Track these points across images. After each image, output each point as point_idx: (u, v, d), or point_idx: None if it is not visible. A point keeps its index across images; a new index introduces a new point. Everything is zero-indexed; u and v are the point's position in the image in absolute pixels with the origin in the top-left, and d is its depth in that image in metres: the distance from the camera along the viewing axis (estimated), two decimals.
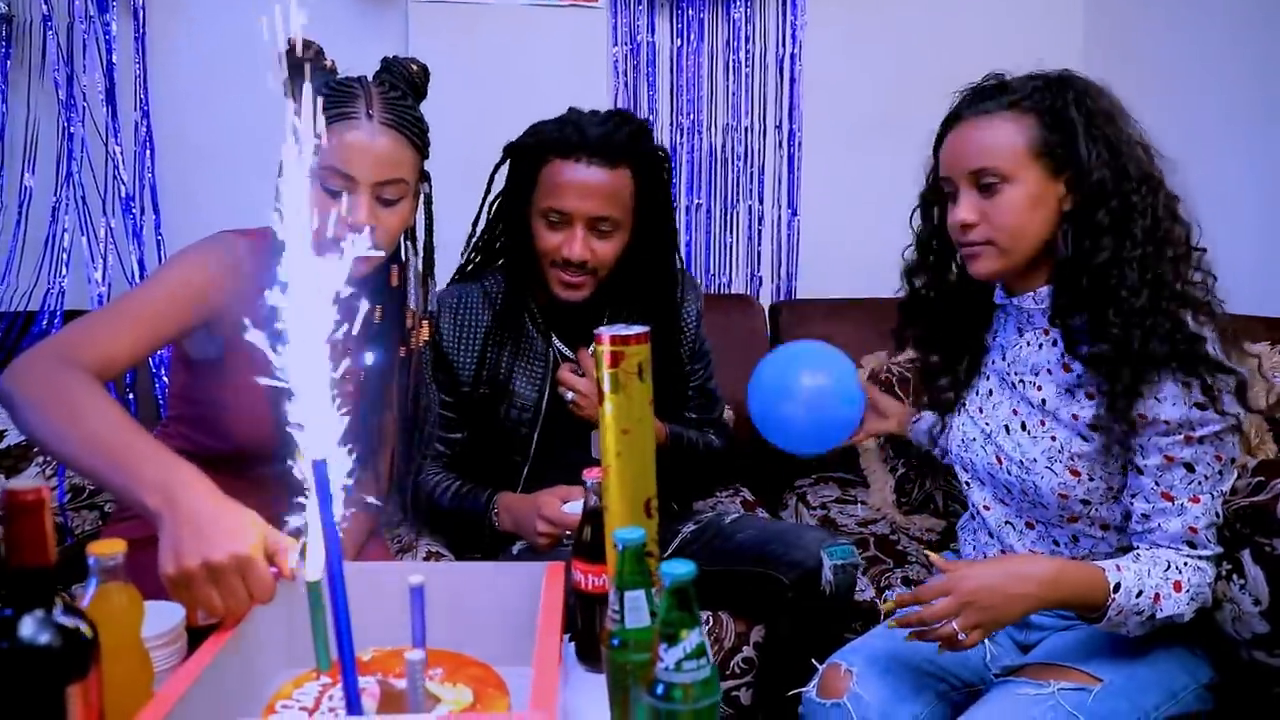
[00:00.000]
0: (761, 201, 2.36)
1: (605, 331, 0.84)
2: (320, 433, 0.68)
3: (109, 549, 0.75)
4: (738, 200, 2.35)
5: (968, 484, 1.23)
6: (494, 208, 1.46)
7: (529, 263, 1.40)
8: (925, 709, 1.09)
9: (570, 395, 1.37)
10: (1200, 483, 1.02)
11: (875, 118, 2.34)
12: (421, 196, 1.20)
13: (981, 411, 1.19)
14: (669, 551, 1.48)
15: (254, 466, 1.18)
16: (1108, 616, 1.00)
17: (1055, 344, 1.11)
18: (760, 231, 2.36)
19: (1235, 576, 1.04)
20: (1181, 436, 1.01)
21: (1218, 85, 2.00)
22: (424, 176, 1.19)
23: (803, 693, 1.11)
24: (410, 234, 1.22)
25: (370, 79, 1.16)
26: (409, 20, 2.11)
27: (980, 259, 1.09)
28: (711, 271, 2.36)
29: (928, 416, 1.49)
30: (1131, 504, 1.06)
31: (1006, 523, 1.18)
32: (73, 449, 0.89)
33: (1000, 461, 1.14)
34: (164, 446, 0.90)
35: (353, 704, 0.73)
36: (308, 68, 1.14)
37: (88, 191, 1.94)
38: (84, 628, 0.64)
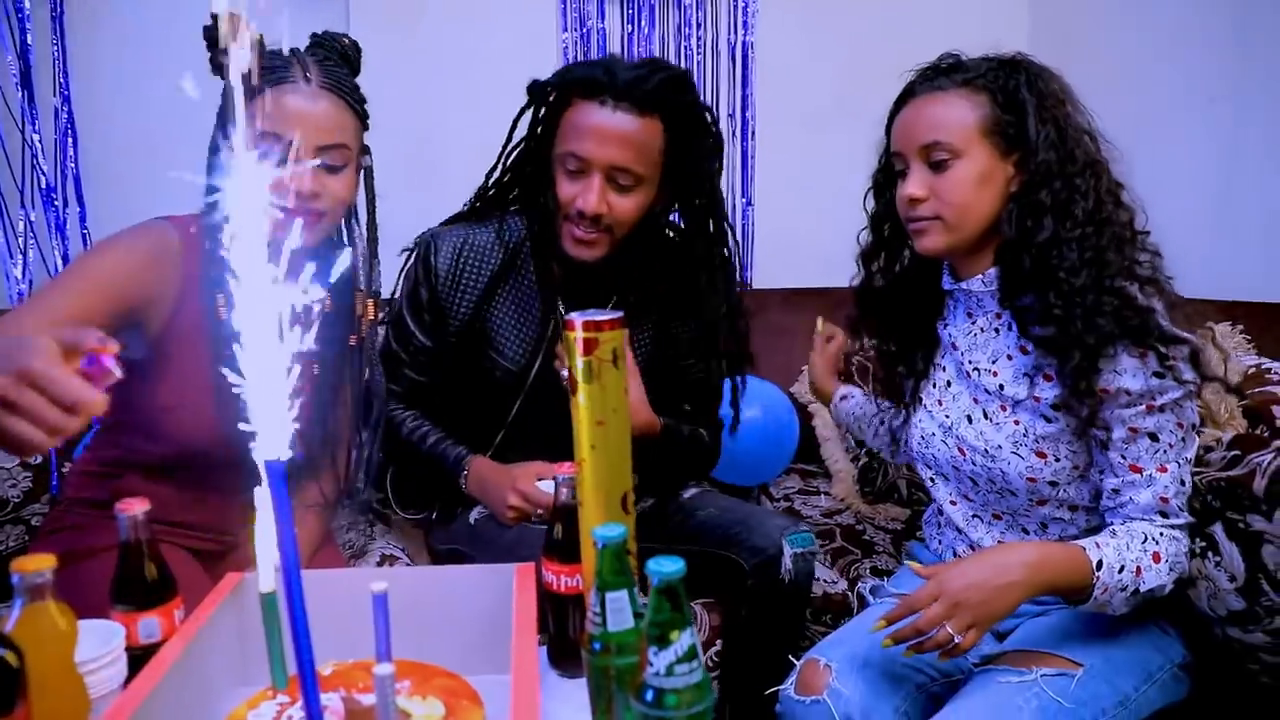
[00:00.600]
0: None
1: (577, 317, 0.79)
2: (275, 431, 0.62)
3: (36, 564, 0.67)
4: None
5: (931, 480, 1.22)
6: (511, 156, 1.33)
7: (546, 217, 1.27)
8: (905, 702, 1.07)
9: (566, 372, 1.27)
10: (1165, 451, 1.02)
11: (829, 105, 2.33)
12: (363, 171, 1.14)
13: (941, 404, 1.18)
14: None
15: (199, 471, 1.11)
16: (1094, 596, 0.99)
17: (1010, 328, 1.11)
18: None
19: (1210, 553, 1.05)
20: (1143, 406, 1.01)
21: (1165, 69, 2.03)
22: (364, 150, 1.13)
23: (780, 690, 1.09)
24: (352, 214, 1.16)
25: (302, 50, 1.11)
26: (349, 5, 2.03)
27: (927, 234, 1.08)
28: None
29: (855, 395, 1.48)
30: (1101, 480, 1.06)
31: (974, 516, 1.18)
32: None
33: (964, 453, 1.14)
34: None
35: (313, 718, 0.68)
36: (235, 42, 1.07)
37: (3, 183, 1.81)
38: (8, 655, 0.57)
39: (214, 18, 1.12)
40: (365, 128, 1.13)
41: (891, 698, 1.06)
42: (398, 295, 1.38)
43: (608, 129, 1.19)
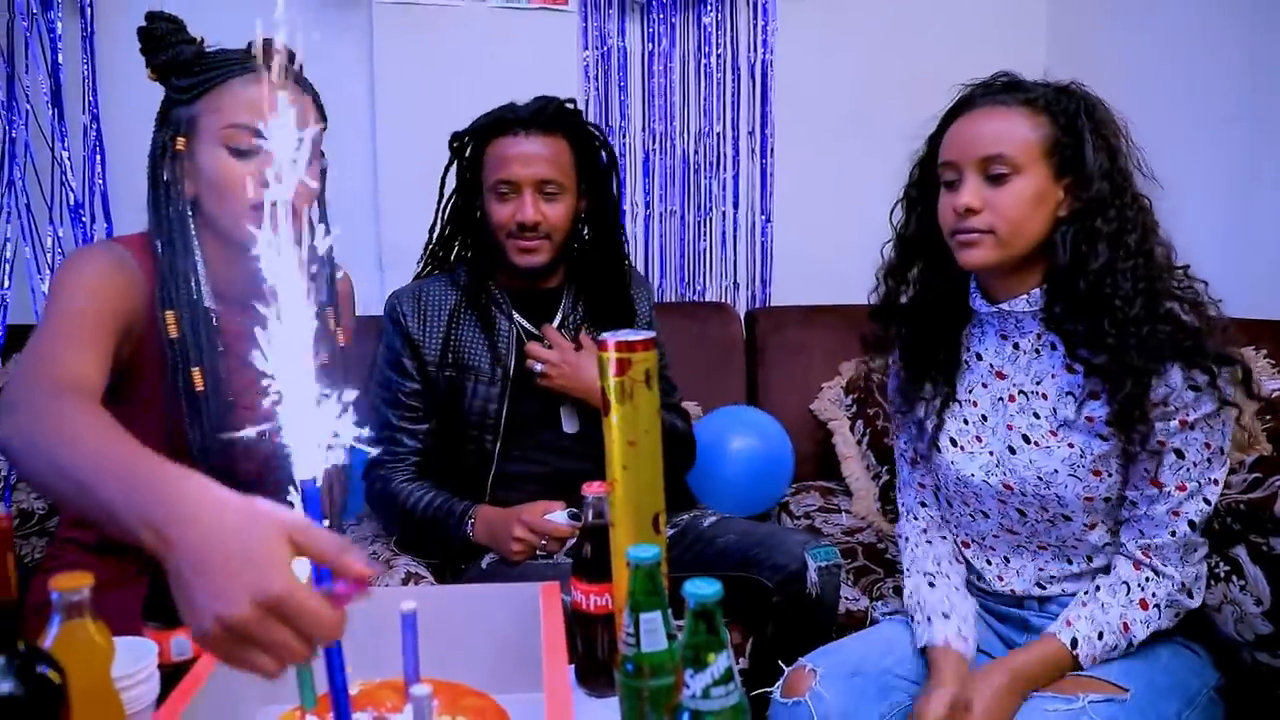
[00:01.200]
0: (735, 208, 2.34)
1: (610, 337, 0.79)
2: (310, 450, 0.62)
3: (73, 583, 0.67)
4: (711, 207, 2.32)
5: (972, 517, 1.19)
6: (449, 205, 1.52)
7: (488, 245, 1.47)
8: (892, 711, 1.08)
9: (539, 366, 1.43)
10: (1189, 470, 1.02)
11: (848, 122, 2.34)
12: (322, 171, 1.15)
13: (980, 440, 1.15)
14: None
15: None
16: (1085, 667, 1.04)
17: (1055, 348, 1.10)
18: (734, 238, 2.34)
19: (1235, 577, 1.04)
20: (1176, 422, 1.01)
21: (1181, 86, 2.03)
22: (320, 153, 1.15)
23: (769, 693, 1.09)
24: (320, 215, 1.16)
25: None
26: (373, 22, 2.05)
27: (976, 248, 1.07)
28: (686, 280, 2.33)
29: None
30: (1129, 493, 1.07)
31: (1018, 547, 1.16)
32: (68, 486, 0.72)
33: (1011, 487, 1.11)
34: (164, 462, 0.68)
35: None
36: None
37: (33, 199, 1.83)
38: (50, 673, 0.58)
39: (148, 17, 1.12)
40: (324, 126, 1.14)
41: (877, 704, 1.07)
42: (378, 364, 1.52)
43: (527, 152, 1.40)
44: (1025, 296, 1.10)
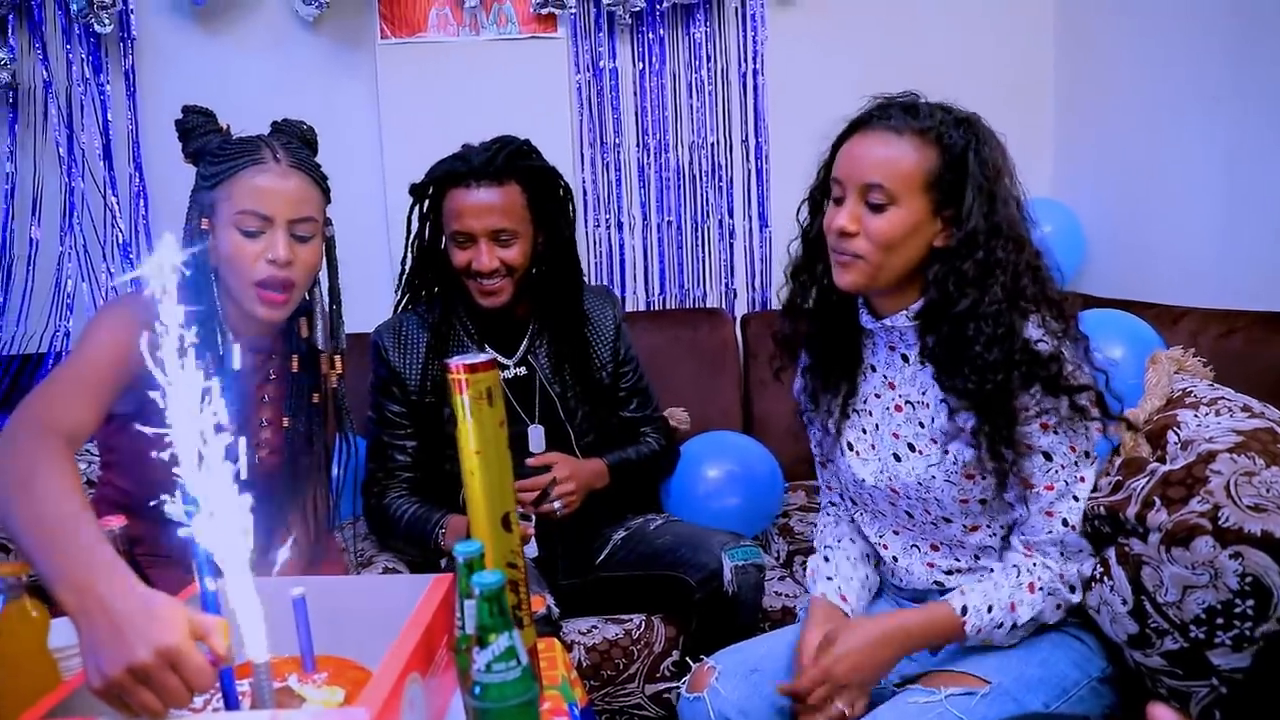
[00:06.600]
0: (731, 215, 2.41)
1: (454, 361, 0.91)
2: (223, 511, 0.73)
3: (12, 570, 0.85)
4: (708, 215, 2.40)
5: (871, 515, 1.24)
6: (415, 245, 1.61)
7: (453, 283, 1.55)
8: (790, 707, 1.13)
9: (559, 504, 1.46)
10: (1057, 471, 1.06)
11: (842, 126, 2.36)
12: (326, 240, 1.28)
13: (874, 449, 1.19)
14: (600, 558, 1.55)
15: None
16: (969, 637, 1.08)
17: None
18: (732, 245, 2.41)
19: (1105, 578, 1.06)
20: (1038, 425, 1.04)
21: (1185, 81, 1.98)
22: (327, 221, 1.28)
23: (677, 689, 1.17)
24: (315, 282, 1.29)
25: (266, 135, 1.25)
26: (378, 60, 2.23)
27: (849, 271, 1.10)
28: (685, 287, 2.42)
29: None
30: (1006, 495, 1.10)
31: (912, 546, 1.21)
32: (15, 527, 0.88)
33: (897, 491, 1.16)
34: (100, 537, 0.84)
35: (231, 703, 0.82)
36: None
37: (88, 241, 2.10)
38: None
39: (184, 111, 1.29)
40: (328, 201, 1.26)
41: (774, 701, 1.12)
42: (370, 388, 1.63)
43: (479, 204, 1.47)
44: (904, 312, 1.12)
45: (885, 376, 1.19)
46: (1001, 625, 1.08)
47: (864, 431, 1.21)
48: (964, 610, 1.08)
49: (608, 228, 2.37)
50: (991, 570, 1.13)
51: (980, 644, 1.09)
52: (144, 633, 0.72)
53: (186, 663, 0.73)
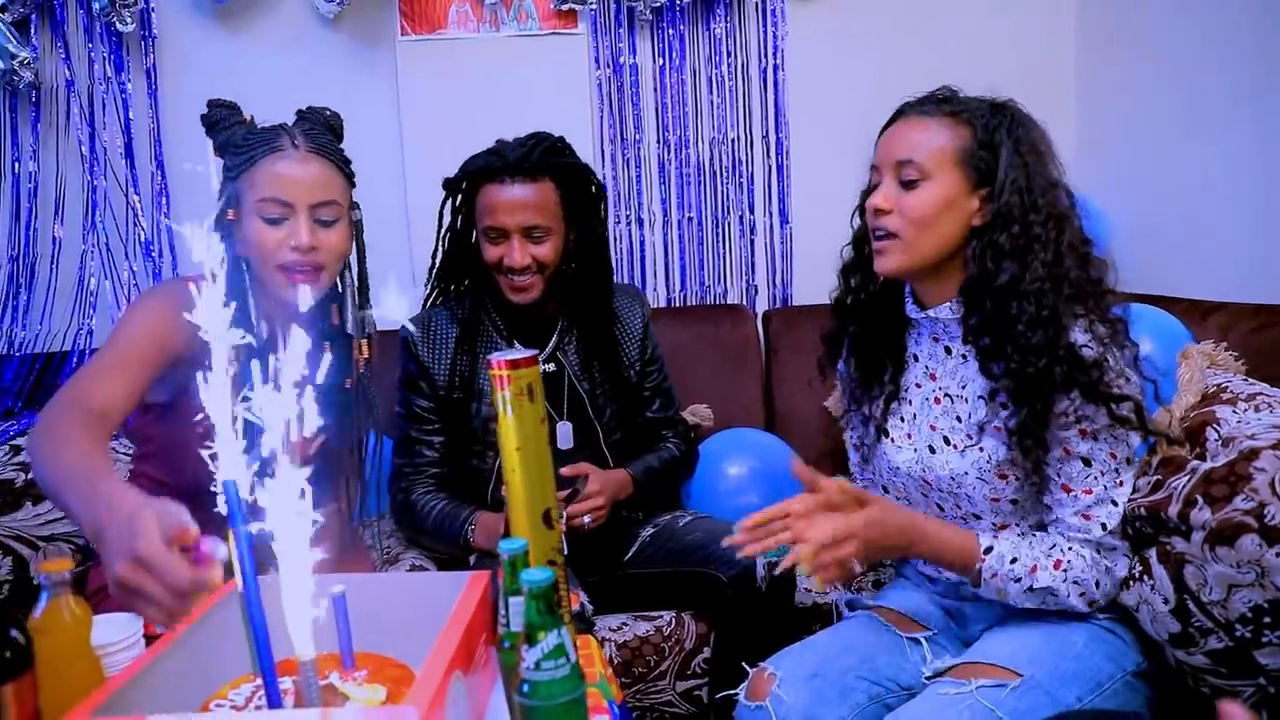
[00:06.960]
0: (752, 211, 2.40)
1: (496, 357, 0.90)
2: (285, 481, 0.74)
3: (57, 567, 0.85)
4: (728, 211, 2.39)
5: (905, 504, 1.24)
6: (447, 237, 1.61)
7: (484, 278, 1.55)
8: (852, 713, 1.11)
9: (588, 520, 1.46)
10: (1096, 478, 1.05)
11: (862, 121, 2.33)
12: (353, 223, 1.28)
13: (910, 438, 1.21)
14: (629, 555, 1.54)
15: (211, 499, 1.28)
16: (983, 579, 1.07)
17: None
18: (753, 241, 2.40)
19: (1145, 577, 1.05)
20: (1077, 430, 1.03)
21: (1215, 68, 1.96)
22: (354, 205, 1.28)
23: (735, 695, 1.16)
24: (346, 266, 1.30)
25: (289, 124, 1.26)
26: (398, 57, 2.23)
27: (886, 255, 1.12)
28: (706, 284, 2.41)
29: None
30: (1043, 497, 1.09)
31: None
32: (50, 488, 0.98)
33: (929, 484, 1.17)
34: (109, 475, 0.94)
35: (273, 701, 0.82)
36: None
37: (111, 239, 2.10)
38: (17, 634, 0.74)
39: (209, 104, 1.30)
40: (353, 184, 1.27)
41: (838, 707, 1.11)
42: (399, 383, 1.63)
43: (512, 200, 1.47)
44: (948, 304, 1.14)
45: (928, 367, 1.20)
46: (1019, 580, 1.07)
47: (902, 420, 1.22)
48: (988, 550, 1.08)
49: (628, 224, 2.36)
50: (1034, 535, 1.11)
51: (989, 595, 1.08)
52: (122, 546, 0.79)
53: (156, 564, 0.77)
